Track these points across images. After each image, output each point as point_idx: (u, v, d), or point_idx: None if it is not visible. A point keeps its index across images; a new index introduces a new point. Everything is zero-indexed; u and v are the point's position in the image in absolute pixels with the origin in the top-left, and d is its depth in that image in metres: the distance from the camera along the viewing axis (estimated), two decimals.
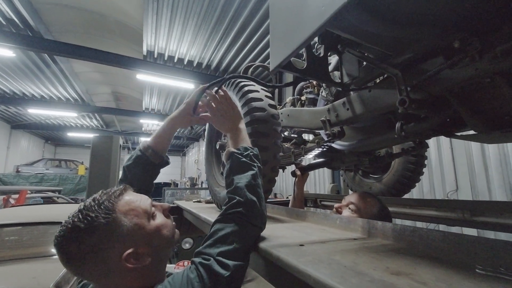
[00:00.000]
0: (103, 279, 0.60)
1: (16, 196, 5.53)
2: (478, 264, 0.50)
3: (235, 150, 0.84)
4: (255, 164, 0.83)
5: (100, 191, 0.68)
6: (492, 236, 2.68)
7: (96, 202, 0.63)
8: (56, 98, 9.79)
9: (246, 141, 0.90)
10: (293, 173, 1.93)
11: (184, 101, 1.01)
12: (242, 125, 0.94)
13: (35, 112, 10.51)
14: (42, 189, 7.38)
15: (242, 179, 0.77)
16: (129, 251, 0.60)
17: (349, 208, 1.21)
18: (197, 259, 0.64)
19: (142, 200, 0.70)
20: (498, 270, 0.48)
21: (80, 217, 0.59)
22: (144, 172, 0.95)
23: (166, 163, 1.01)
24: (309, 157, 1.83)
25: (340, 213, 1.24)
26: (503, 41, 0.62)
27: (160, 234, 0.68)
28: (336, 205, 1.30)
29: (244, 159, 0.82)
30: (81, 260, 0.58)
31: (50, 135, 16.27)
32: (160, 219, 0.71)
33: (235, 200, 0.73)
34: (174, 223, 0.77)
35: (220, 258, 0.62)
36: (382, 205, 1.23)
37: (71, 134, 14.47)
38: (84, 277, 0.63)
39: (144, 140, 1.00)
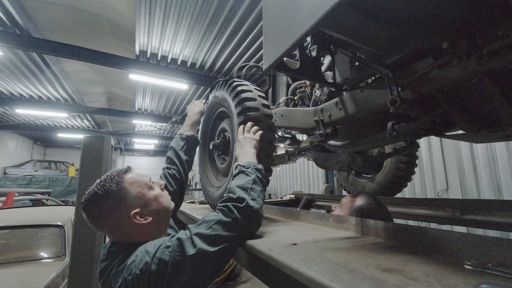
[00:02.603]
0: (116, 232, 0.82)
1: (3, 198, 5.37)
2: (466, 260, 0.51)
3: (241, 163, 0.99)
4: (254, 173, 0.92)
5: (110, 171, 0.90)
6: (481, 233, 2.74)
7: (109, 177, 0.85)
8: (45, 98, 9.55)
9: (253, 160, 1.03)
10: None
11: (188, 109, 1.50)
12: (251, 149, 1.07)
13: (23, 112, 10.22)
14: (30, 191, 7.19)
15: (237, 182, 0.88)
16: (136, 210, 0.82)
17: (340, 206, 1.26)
18: (181, 232, 0.76)
19: (143, 176, 0.93)
20: (485, 265, 0.49)
21: (98, 187, 0.82)
22: (192, 151, 1.36)
23: (199, 141, 1.45)
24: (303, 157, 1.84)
25: (332, 211, 1.29)
26: (489, 43, 0.64)
27: (158, 200, 0.89)
28: (333, 207, 1.34)
29: (245, 169, 0.94)
30: (101, 218, 0.80)
31: (39, 136, 15.87)
32: (157, 190, 0.93)
33: (227, 196, 0.83)
34: (169, 196, 1.00)
35: (195, 237, 0.71)
36: (370, 204, 1.18)
37: (61, 135, 14.14)
38: (104, 230, 0.84)
39: (180, 131, 1.39)
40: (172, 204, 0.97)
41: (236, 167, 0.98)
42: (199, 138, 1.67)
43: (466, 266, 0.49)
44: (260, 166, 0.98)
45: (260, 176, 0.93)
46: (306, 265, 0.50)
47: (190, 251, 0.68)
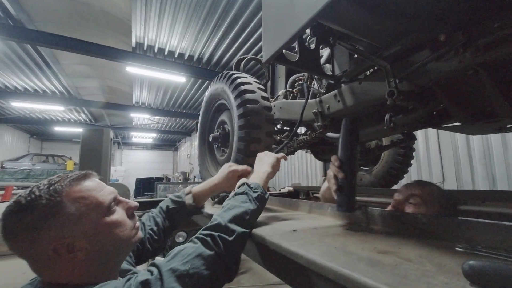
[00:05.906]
0: (31, 261, 0.57)
1: (2, 192, 5.38)
2: (458, 243, 0.54)
3: (249, 182, 0.83)
4: (257, 202, 0.76)
5: (66, 174, 0.63)
6: None
7: (48, 182, 0.60)
8: (41, 91, 9.44)
9: (264, 182, 0.87)
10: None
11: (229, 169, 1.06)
12: (268, 168, 0.92)
13: (19, 105, 10.13)
14: (29, 185, 7.18)
15: (236, 208, 0.70)
16: (64, 240, 0.56)
17: (410, 202, 0.97)
18: (142, 272, 0.56)
19: (102, 191, 0.64)
20: (475, 248, 0.51)
21: (26, 193, 0.57)
22: (183, 216, 1.03)
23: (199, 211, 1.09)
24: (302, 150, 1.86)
25: (402, 210, 0.99)
26: (485, 35, 0.65)
27: (111, 232, 0.62)
28: (394, 202, 1.04)
29: (251, 193, 0.78)
30: (13, 235, 0.55)
31: (36, 129, 15.75)
32: (117, 216, 0.65)
33: (215, 222, 0.65)
34: (138, 224, 0.72)
35: (166, 275, 0.52)
36: (445, 193, 1.02)
37: (58, 129, 14.04)
38: (17, 254, 0.58)
39: (187, 195, 1.05)
40: (137, 237, 0.70)
41: (244, 184, 0.82)
42: (197, 132, 1.67)
43: (457, 249, 0.52)
44: (267, 196, 0.83)
45: (261, 206, 0.78)
46: (305, 249, 0.52)
47: None
